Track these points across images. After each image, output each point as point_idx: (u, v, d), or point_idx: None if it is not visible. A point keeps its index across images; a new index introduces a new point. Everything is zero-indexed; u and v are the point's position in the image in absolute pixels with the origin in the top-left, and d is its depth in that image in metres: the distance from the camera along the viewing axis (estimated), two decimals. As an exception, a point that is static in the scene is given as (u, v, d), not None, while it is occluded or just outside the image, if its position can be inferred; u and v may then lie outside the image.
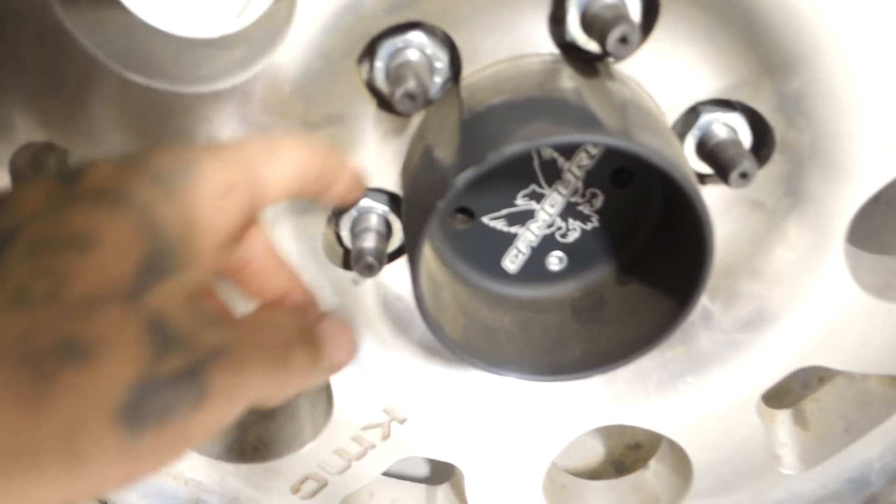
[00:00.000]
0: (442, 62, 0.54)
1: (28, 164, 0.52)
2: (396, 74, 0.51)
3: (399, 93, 0.49)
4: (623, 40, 0.48)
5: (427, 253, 0.59)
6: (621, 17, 0.49)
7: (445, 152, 0.50)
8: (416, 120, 0.56)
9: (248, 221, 0.36)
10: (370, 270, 0.55)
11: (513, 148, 0.45)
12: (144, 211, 0.30)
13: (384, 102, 0.55)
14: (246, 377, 0.31)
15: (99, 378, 0.27)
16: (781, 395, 0.82)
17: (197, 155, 0.34)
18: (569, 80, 0.51)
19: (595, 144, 0.57)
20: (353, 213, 0.58)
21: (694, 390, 0.67)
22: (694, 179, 0.49)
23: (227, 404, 0.30)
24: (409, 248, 0.50)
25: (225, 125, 0.52)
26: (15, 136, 0.51)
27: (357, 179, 0.45)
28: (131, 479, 0.28)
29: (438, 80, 0.55)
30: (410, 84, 0.49)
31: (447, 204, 0.47)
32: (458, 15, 0.51)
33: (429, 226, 0.48)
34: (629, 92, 0.53)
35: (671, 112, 0.57)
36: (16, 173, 0.51)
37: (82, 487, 0.27)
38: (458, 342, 0.54)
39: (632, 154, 0.46)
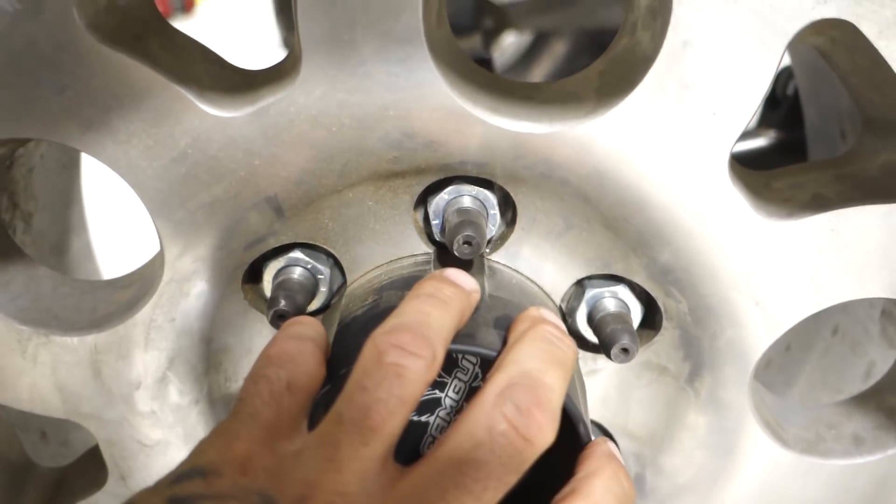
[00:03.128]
0: (324, 274, 0.58)
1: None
2: (274, 295, 0.55)
3: (270, 315, 0.53)
4: (468, 243, 0.52)
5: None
6: (466, 222, 0.52)
7: (316, 365, 0.52)
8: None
9: None
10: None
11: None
12: None
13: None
14: None
15: None
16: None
17: None
18: (430, 284, 0.53)
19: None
20: None
21: (639, 565, 0.64)
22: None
23: None
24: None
25: (121, 358, 0.56)
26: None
27: None
28: None
29: (324, 289, 0.58)
30: (281, 304, 0.53)
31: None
32: (328, 231, 0.56)
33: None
34: (496, 284, 0.55)
35: (558, 289, 0.59)
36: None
37: None
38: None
39: (471, 353, 0.48)
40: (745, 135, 1.23)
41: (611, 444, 0.46)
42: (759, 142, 1.21)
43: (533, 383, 0.41)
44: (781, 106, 1.23)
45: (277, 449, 0.39)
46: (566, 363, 0.44)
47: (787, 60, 1.11)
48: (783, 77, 1.25)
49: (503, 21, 1.90)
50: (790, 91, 1.24)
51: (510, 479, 0.38)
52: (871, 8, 0.43)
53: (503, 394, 0.40)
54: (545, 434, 0.40)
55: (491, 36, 1.90)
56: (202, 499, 0.34)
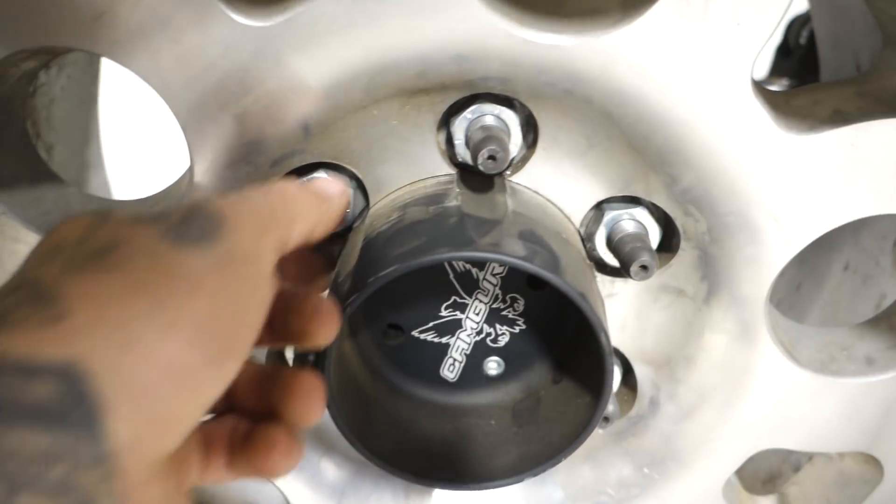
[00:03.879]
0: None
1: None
2: (299, 212, 0.56)
3: (296, 229, 0.54)
4: (492, 158, 0.52)
5: (358, 371, 0.62)
6: (490, 137, 0.53)
7: (343, 279, 0.53)
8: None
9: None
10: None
11: (386, 273, 0.49)
12: None
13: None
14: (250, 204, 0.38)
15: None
16: (774, 479, 0.79)
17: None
18: (454, 200, 0.54)
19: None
20: None
21: (653, 482, 0.66)
22: (575, 278, 0.51)
23: (248, 224, 0.37)
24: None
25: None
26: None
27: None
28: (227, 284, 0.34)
29: (347, 210, 0.59)
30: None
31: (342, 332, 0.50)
32: (352, 151, 0.56)
33: (331, 353, 0.51)
34: (518, 202, 0.56)
35: (577, 212, 0.60)
36: None
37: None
38: (383, 455, 0.56)
39: (499, 262, 0.49)
40: (759, 83, 1.23)
41: None
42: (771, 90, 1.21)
43: None
44: (794, 54, 1.23)
45: None
46: None
47: (803, 7, 1.11)
48: (796, 26, 1.25)
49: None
50: (802, 40, 1.24)
51: None
52: (899, -87, 0.43)
53: None
54: None
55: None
56: None
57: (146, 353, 0.31)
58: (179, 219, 0.35)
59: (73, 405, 0.29)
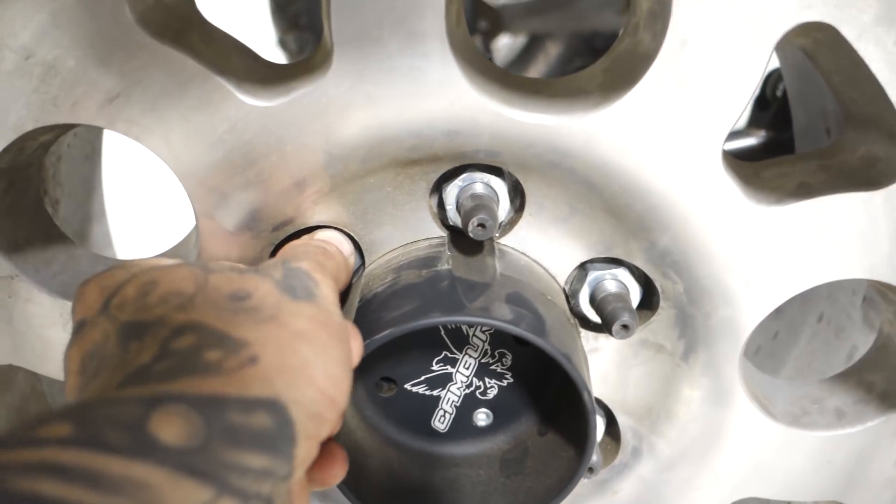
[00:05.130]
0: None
1: None
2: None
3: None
4: (481, 226, 0.56)
5: (351, 421, 0.65)
6: (479, 206, 0.56)
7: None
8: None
9: None
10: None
11: (382, 336, 0.52)
12: None
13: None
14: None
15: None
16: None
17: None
18: (445, 263, 0.58)
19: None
20: None
21: (636, 532, 0.68)
22: (559, 339, 0.54)
23: (328, 284, 0.47)
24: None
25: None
26: None
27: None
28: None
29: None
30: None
31: None
32: (349, 215, 0.60)
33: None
34: (506, 264, 0.59)
35: (562, 272, 0.63)
36: None
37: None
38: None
39: (489, 325, 0.52)
40: (736, 134, 1.28)
41: None
42: (749, 141, 1.26)
43: None
44: (770, 107, 1.28)
45: None
46: None
47: (776, 63, 1.16)
48: (772, 79, 1.30)
49: (498, 23, 1.95)
50: (779, 93, 1.29)
51: None
52: (851, 13, 0.48)
53: None
54: None
55: (487, 37, 1.95)
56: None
57: (318, 390, 0.40)
58: (282, 276, 0.44)
59: (281, 433, 0.37)
